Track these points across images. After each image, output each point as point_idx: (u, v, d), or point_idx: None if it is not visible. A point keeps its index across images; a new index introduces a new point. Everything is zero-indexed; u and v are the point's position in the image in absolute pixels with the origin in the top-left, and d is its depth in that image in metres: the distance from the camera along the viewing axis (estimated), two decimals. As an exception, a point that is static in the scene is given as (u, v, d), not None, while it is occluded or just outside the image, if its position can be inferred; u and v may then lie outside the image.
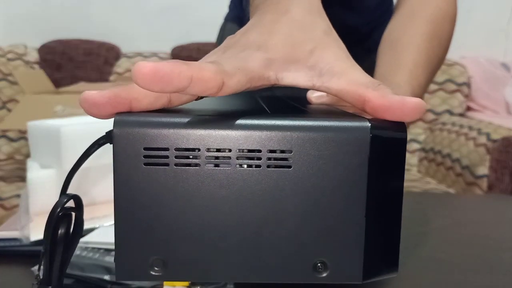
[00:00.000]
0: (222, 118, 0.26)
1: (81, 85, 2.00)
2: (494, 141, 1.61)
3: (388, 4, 0.89)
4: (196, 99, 0.29)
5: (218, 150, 0.25)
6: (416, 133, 2.07)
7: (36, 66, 2.22)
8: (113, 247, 0.47)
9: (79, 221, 0.30)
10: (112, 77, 2.21)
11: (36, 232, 0.52)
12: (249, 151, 0.25)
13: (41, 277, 0.29)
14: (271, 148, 0.25)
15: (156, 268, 0.26)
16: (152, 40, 2.34)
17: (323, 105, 0.38)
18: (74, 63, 2.24)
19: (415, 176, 1.92)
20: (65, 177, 0.51)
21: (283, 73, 0.30)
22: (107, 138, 0.28)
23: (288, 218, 0.26)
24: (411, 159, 2.05)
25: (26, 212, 0.57)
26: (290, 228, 0.26)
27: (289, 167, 0.25)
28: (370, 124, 0.25)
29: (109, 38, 2.33)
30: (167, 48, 2.31)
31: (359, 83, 0.29)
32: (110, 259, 0.46)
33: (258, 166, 0.25)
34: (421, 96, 0.50)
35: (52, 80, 2.01)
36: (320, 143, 0.25)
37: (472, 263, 0.51)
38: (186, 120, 0.25)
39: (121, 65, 2.24)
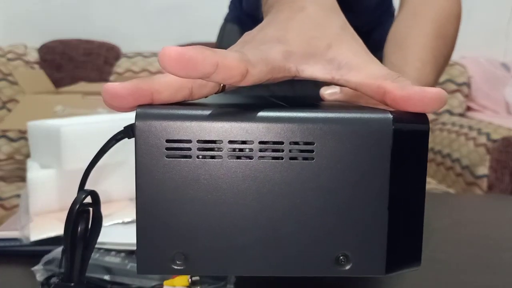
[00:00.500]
0: (244, 111, 0.25)
1: (81, 85, 2.00)
2: (494, 141, 1.61)
3: (387, 5, 0.89)
4: (216, 93, 0.29)
5: (240, 142, 0.25)
6: (416, 133, 2.07)
7: (36, 66, 2.22)
8: (113, 247, 0.47)
9: (97, 216, 0.30)
10: (112, 77, 2.21)
11: (36, 232, 0.52)
12: (272, 143, 0.24)
13: (61, 276, 0.29)
14: (294, 140, 0.25)
15: (177, 262, 0.25)
16: (152, 40, 2.34)
17: (336, 101, 0.37)
18: (74, 63, 2.24)
19: (415, 176, 1.92)
20: (65, 177, 0.52)
21: (302, 65, 0.30)
22: (125, 133, 0.28)
23: (310, 211, 0.25)
24: (411, 159, 2.05)
25: (26, 212, 0.57)
26: (313, 220, 0.25)
27: (312, 159, 0.25)
28: (392, 116, 0.25)
29: (109, 38, 2.33)
30: (167, 48, 2.31)
31: (378, 76, 0.29)
32: (110, 259, 0.46)
33: (280, 158, 0.25)
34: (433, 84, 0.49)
35: (52, 80, 2.01)
36: (343, 135, 0.25)
37: (472, 263, 0.51)
38: (208, 112, 0.25)
39: (121, 65, 2.24)
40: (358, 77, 0.29)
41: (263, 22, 0.34)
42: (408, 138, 0.25)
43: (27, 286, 0.45)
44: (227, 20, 0.96)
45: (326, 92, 0.38)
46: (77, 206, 0.28)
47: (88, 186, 0.65)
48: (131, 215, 0.57)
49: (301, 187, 0.25)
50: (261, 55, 0.28)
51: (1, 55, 2.17)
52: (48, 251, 0.47)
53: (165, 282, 0.41)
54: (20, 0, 2.33)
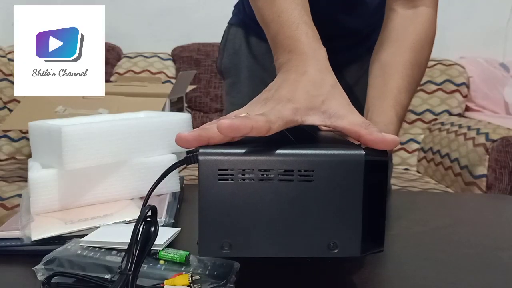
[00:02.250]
0: (267, 149, 0.39)
1: (81, 86, 1.99)
2: (493, 141, 1.61)
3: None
4: None
5: (265, 170, 0.38)
6: (415, 133, 2.07)
7: (37, 66, 2.23)
8: (113, 246, 0.47)
9: (155, 224, 0.41)
10: (113, 78, 2.22)
11: (37, 231, 0.52)
12: (285, 170, 0.38)
13: (122, 268, 0.39)
14: (300, 168, 0.38)
15: (225, 248, 0.39)
16: (153, 41, 2.34)
17: (330, 131, 0.51)
18: (74, 64, 2.24)
19: (414, 176, 1.92)
20: (66, 177, 0.54)
21: (305, 117, 0.45)
22: (185, 160, 0.41)
23: (312, 214, 0.39)
24: (410, 159, 2.05)
25: (27, 211, 0.57)
26: (313, 219, 0.39)
27: (312, 180, 0.39)
28: (364, 152, 0.39)
29: (110, 39, 2.33)
30: (168, 49, 2.31)
31: (355, 124, 0.44)
32: (110, 258, 0.46)
33: (291, 180, 0.38)
34: (404, 115, 0.62)
35: (53, 81, 2.01)
36: (333, 164, 0.39)
37: (472, 263, 0.52)
38: (244, 150, 0.39)
39: (122, 66, 2.24)
40: (343, 124, 0.44)
41: (277, 80, 0.49)
42: (374, 166, 0.39)
43: (28, 286, 0.45)
44: (231, 24, 0.97)
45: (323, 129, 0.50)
46: (141, 221, 0.39)
47: (88, 186, 0.65)
48: (132, 214, 0.57)
49: (305, 198, 0.39)
50: (278, 114, 0.42)
51: (2, 55, 2.17)
52: (49, 251, 0.47)
53: (165, 282, 0.42)
54: (21, 0, 2.33)
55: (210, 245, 0.39)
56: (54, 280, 0.43)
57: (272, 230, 0.39)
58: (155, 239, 0.41)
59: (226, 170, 0.38)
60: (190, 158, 0.40)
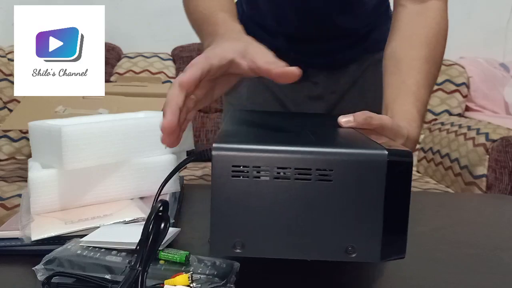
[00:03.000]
0: (284, 146, 0.37)
1: (81, 86, 2.00)
2: (493, 141, 1.61)
3: (385, 8, 0.90)
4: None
5: (281, 168, 0.36)
6: (416, 134, 2.07)
7: (37, 66, 2.23)
8: (113, 246, 0.47)
9: (166, 220, 0.40)
10: (113, 78, 2.22)
11: (37, 231, 0.52)
12: (303, 169, 0.36)
13: (132, 263, 0.39)
14: (318, 167, 0.36)
15: (238, 248, 0.37)
16: (152, 41, 2.34)
17: (350, 128, 0.49)
18: (74, 64, 2.24)
19: (414, 176, 1.92)
20: (66, 177, 0.54)
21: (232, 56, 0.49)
22: (199, 155, 0.40)
23: (330, 215, 0.37)
24: (411, 159, 2.05)
25: (27, 211, 0.57)
26: (331, 222, 0.37)
27: (331, 181, 0.36)
28: (387, 152, 0.36)
29: (110, 39, 2.33)
30: (168, 49, 2.31)
31: (268, 62, 0.49)
32: (111, 258, 0.46)
33: (308, 179, 0.36)
34: (425, 111, 0.60)
35: (53, 81, 2.01)
36: (353, 164, 0.36)
37: (472, 263, 0.52)
38: (260, 147, 0.37)
39: (122, 66, 2.24)
40: (259, 62, 0.47)
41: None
42: (397, 167, 0.37)
43: (28, 286, 0.45)
44: None
45: (343, 120, 0.47)
46: (153, 215, 0.39)
47: (88, 186, 0.65)
48: (132, 214, 0.57)
49: (323, 199, 0.37)
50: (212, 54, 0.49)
51: (2, 55, 2.17)
52: (49, 251, 0.47)
53: (165, 282, 0.42)
54: (21, 1, 2.33)
55: (222, 244, 0.37)
56: (54, 280, 0.43)
57: (287, 231, 0.37)
58: (165, 235, 0.40)
59: (240, 166, 0.36)
60: (203, 153, 0.39)
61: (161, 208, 0.40)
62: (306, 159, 0.36)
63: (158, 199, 0.40)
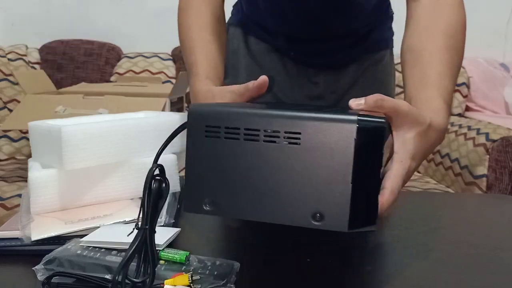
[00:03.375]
0: (256, 109, 0.38)
1: (82, 86, 2.00)
2: (493, 141, 1.61)
3: (385, 8, 0.90)
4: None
5: (250, 129, 0.37)
6: (416, 134, 2.07)
7: (37, 66, 2.23)
8: (113, 246, 0.47)
9: (164, 181, 0.41)
10: (113, 78, 2.22)
11: (37, 231, 0.52)
12: (271, 131, 0.36)
13: (139, 225, 0.40)
14: (286, 130, 0.36)
15: (207, 206, 0.38)
16: (152, 41, 2.34)
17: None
18: (75, 64, 2.24)
19: (415, 176, 1.92)
20: (66, 177, 0.54)
21: None
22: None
23: (297, 180, 0.36)
24: (411, 160, 2.05)
25: (27, 211, 0.57)
26: (298, 187, 0.36)
27: (298, 144, 0.36)
28: (357, 117, 0.36)
29: (110, 39, 2.33)
30: (168, 49, 2.31)
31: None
32: (110, 258, 0.46)
33: (277, 142, 0.37)
34: (451, 100, 0.58)
35: (53, 81, 2.01)
36: (321, 127, 0.36)
37: (472, 263, 0.52)
38: (232, 109, 0.38)
39: (122, 66, 2.24)
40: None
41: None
42: (368, 131, 0.36)
43: (28, 286, 0.45)
44: (230, 23, 0.97)
45: (354, 103, 0.46)
46: (152, 173, 0.40)
47: (88, 186, 0.65)
48: (132, 214, 0.57)
49: (291, 163, 0.36)
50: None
51: (2, 55, 2.17)
52: (49, 251, 0.47)
53: (166, 282, 0.42)
54: (21, 1, 2.33)
55: (193, 201, 0.39)
56: (54, 280, 0.43)
57: (255, 193, 0.37)
58: (167, 195, 0.41)
59: (213, 126, 0.38)
60: None
61: (157, 172, 0.40)
62: (274, 121, 0.37)
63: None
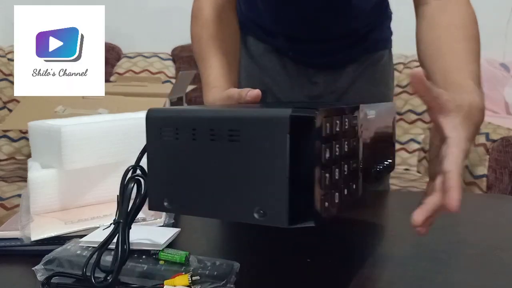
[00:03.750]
0: (207, 110, 0.40)
1: (81, 86, 2.00)
2: (493, 141, 1.61)
3: (384, 8, 0.90)
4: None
5: (194, 129, 0.38)
6: (415, 133, 2.07)
7: (37, 66, 2.23)
8: (112, 246, 0.47)
9: (140, 181, 0.44)
10: (113, 78, 2.22)
11: (37, 231, 0.52)
12: (213, 129, 0.38)
13: (116, 219, 0.43)
14: (226, 128, 0.37)
15: (166, 204, 0.40)
16: (152, 41, 2.34)
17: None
18: (74, 64, 2.24)
19: (415, 176, 1.92)
20: (65, 177, 0.55)
21: None
22: None
23: (239, 177, 0.37)
24: (411, 159, 2.05)
25: (27, 212, 0.57)
26: (241, 184, 0.37)
27: (238, 141, 0.37)
28: (290, 110, 0.35)
29: (110, 39, 2.33)
30: (168, 49, 2.31)
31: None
32: (110, 259, 0.46)
33: (220, 140, 0.37)
34: (480, 84, 0.57)
35: (53, 81, 2.01)
36: (257, 123, 0.36)
37: (472, 263, 0.52)
38: (179, 111, 0.40)
39: (122, 66, 2.24)
40: None
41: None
42: (302, 126, 0.35)
43: (28, 286, 0.45)
44: None
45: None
46: (128, 174, 0.43)
47: (88, 186, 0.65)
48: (132, 215, 0.57)
49: (233, 160, 0.37)
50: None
51: (2, 55, 2.17)
52: (49, 251, 0.47)
53: (165, 282, 0.42)
54: (21, 1, 2.33)
55: (155, 199, 0.41)
56: (54, 280, 0.43)
57: (204, 191, 0.38)
58: (145, 193, 0.43)
59: (165, 129, 0.40)
60: None
61: (130, 174, 0.43)
62: (216, 120, 0.38)
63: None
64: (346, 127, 0.41)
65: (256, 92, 0.51)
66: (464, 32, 0.62)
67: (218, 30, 0.76)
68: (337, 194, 0.39)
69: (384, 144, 0.58)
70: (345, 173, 0.41)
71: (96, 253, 0.41)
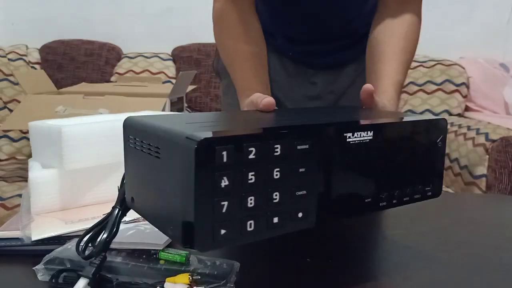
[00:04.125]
0: (147, 125, 0.41)
1: (82, 86, 2.00)
2: (493, 141, 1.61)
3: None
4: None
5: (142, 141, 0.41)
6: (416, 134, 2.07)
7: (37, 66, 2.23)
8: (112, 246, 0.47)
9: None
10: (113, 78, 2.22)
11: (37, 231, 0.52)
12: (148, 144, 0.40)
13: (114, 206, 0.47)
14: (155, 145, 0.39)
15: (132, 203, 0.44)
16: (153, 41, 2.34)
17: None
18: (75, 64, 2.24)
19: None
20: (66, 177, 0.56)
21: None
22: None
23: (165, 191, 0.38)
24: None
25: (27, 211, 0.57)
26: (166, 196, 0.38)
27: (159, 158, 0.38)
28: (202, 137, 0.34)
29: (111, 39, 2.33)
30: (168, 49, 2.31)
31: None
32: (111, 258, 0.46)
33: (151, 153, 0.40)
34: (400, 91, 0.73)
35: (54, 81, 2.02)
36: (170, 145, 0.37)
37: (472, 263, 0.52)
38: (141, 123, 0.42)
39: (122, 66, 2.24)
40: None
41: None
42: (207, 153, 0.35)
43: (28, 286, 0.45)
44: None
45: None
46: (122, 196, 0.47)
47: (88, 186, 0.65)
48: (132, 214, 0.57)
49: (160, 174, 0.39)
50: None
51: (2, 55, 2.17)
52: (50, 251, 0.47)
53: (167, 279, 0.42)
54: (21, 1, 2.33)
55: (128, 197, 0.45)
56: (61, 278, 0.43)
57: (148, 198, 0.42)
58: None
59: (130, 137, 0.43)
60: None
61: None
62: (149, 135, 0.40)
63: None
64: (258, 155, 0.37)
65: (267, 100, 0.51)
66: (404, 44, 0.74)
67: (242, 33, 0.76)
68: (251, 222, 0.37)
69: (409, 169, 0.48)
70: (276, 201, 0.38)
71: (93, 231, 0.45)
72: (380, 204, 0.46)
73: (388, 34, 0.76)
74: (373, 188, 0.45)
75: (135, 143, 0.42)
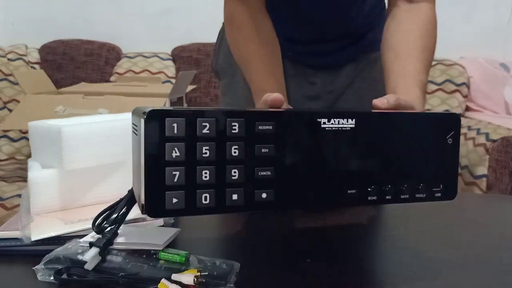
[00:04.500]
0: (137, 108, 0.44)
1: (82, 86, 2.00)
2: (493, 141, 1.61)
3: (380, 9, 0.90)
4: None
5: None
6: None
7: (37, 66, 2.23)
8: (112, 246, 0.47)
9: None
10: (112, 78, 2.22)
11: (37, 231, 0.52)
12: (134, 125, 0.43)
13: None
14: (134, 123, 0.42)
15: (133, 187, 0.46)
16: (152, 41, 2.34)
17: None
18: (75, 64, 2.24)
19: (415, 176, 1.92)
20: (66, 177, 0.56)
21: None
22: None
23: (135, 166, 0.42)
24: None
25: (27, 212, 0.57)
26: (135, 174, 0.42)
27: (136, 134, 0.41)
28: (147, 114, 0.38)
29: (110, 39, 2.33)
30: (168, 49, 2.31)
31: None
32: (110, 258, 0.46)
33: (135, 132, 0.42)
34: (425, 91, 0.67)
35: (53, 81, 2.02)
36: (138, 122, 0.39)
37: (472, 263, 0.52)
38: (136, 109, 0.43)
39: (122, 66, 2.24)
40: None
41: None
42: (154, 124, 0.38)
43: (28, 286, 0.45)
44: None
45: (379, 102, 0.51)
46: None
47: (88, 186, 0.65)
48: (132, 214, 0.57)
49: (134, 149, 0.42)
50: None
51: (2, 55, 2.17)
52: (49, 251, 0.47)
53: (173, 275, 0.42)
54: (21, 1, 2.33)
55: (132, 183, 0.47)
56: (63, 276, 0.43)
57: (134, 177, 0.45)
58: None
59: (134, 125, 0.44)
60: None
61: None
62: (135, 116, 0.42)
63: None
64: (211, 130, 0.39)
65: (274, 96, 0.51)
66: (421, 43, 0.70)
67: (255, 33, 0.75)
68: (206, 195, 0.39)
69: (406, 165, 0.46)
70: (235, 178, 0.39)
71: (109, 211, 0.48)
72: (369, 198, 0.44)
73: (403, 34, 0.72)
74: (358, 180, 0.44)
75: (133, 128, 0.44)
